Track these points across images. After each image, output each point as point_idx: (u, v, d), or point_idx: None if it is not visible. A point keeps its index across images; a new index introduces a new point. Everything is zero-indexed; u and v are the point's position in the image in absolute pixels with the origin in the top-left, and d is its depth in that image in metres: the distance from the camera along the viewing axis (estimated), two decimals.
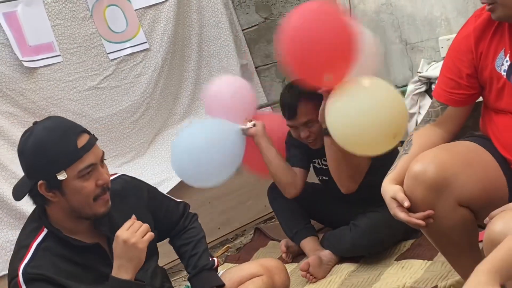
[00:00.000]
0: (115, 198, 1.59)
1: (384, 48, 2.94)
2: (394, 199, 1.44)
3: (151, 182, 2.72)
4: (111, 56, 2.87)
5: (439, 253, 1.83)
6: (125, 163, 2.90)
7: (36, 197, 1.51)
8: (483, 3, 1.47)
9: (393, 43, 2.90)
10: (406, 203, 1.41)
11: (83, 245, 1.54)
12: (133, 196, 1.71)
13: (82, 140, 1.48)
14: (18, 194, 1.53)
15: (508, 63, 1.47)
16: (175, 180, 2.81)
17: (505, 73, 1.48)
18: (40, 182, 1.46)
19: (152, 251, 1.66)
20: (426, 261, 2.08)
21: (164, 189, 2.76)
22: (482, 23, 1.52)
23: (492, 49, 1.50)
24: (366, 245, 2.24)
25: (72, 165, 1.45)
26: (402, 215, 1.42)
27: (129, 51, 2.92)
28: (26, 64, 2.61)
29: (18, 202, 1.70)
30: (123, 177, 1.76)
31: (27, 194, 1.51)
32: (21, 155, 1.49)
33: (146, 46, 2.95)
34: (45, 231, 1.52)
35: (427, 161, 1.42)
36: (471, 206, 1.44)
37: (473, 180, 1.42)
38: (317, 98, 2.07)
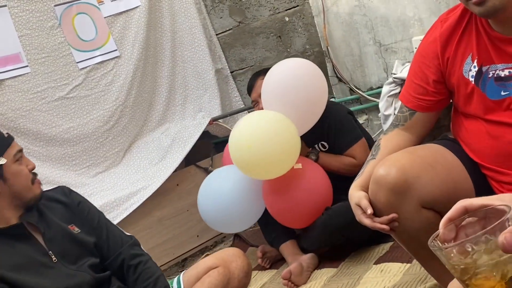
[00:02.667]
0: (51, 202, 1.69)
1: (359, 50, 2.93)
2: (359, 205, 1.43)
3: (126, 191, 2.73)
4: (81, 65, 2.83)
5: None
6: (99, 173, 2.85)
7: None
8: None
9: (367, 44, 2.89)
10: (369, 210, 1.40)
11: (6, 228, 1.56)
12: (69, 203, 1.73)
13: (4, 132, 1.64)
14: None
15: (476, 68, 1.45)
16: (151, 189, 2.77)
17: (473, 79, 1.46)
18: None
19: (90, 249, 1.67)
20: (404, 264, 2.07)
21: (140, 198, 2.73)
22: (448, 28, 1.49)
23: (459, 54, 1.47)
24: (339, 224, 2.19)
25: (6, 151, 1.57)
26: (366, 221, 1.42)
27: (99, 59, 2.87)
28: None
29: None
30: (62, 187, 1.80)
31: None
32: None
33: (116, 53, 2.91)
34: None
35: (389, 164, 1.41)
36: (435, 208, 1.43)
37: (435, 182, 1.41)
38: None
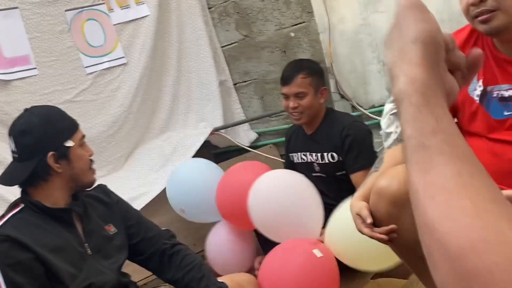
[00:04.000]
0: (93, 200, 1.73)
1: (362, 68, 2.98)
2: (359, 215, 1.46)
3: (126, 196, 2.72)
4: (88, 70, 2.86)
5: None
6: (101, 177, 2.85)
7: (40, 173, 1.57)
8: (478, 14, 1.43)
9: (371, 63, 2.94)
10: (369, 220, 1.43)
11: (58, 208, 1.60)
12: (109, 202, 1.77)
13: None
14: (13, 178, 1.60)
15: (481, 88, 1.49)
16: (151, 195, 2.79)
17: (478, 98, 1.50)
18: (51, 153, 1.56)
19: (123, 247, 1.71)
20: (401, 279, 2.09)
21: (140, 203, 2.74)
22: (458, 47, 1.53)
23: None
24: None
25: (74, 134, 1.63)
26: (366, 230, 1.45)
27: (106, 65, 2.91)
28: (1, 76, 2.57)
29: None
30: (101, 186, 1.84)
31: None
32: (26, 133, 1.57)
33: (124, 60, 2.95)
34: (21, 206, 1.59)
35: (390, 177, 1.44)
36: None
37: None
38: (316, 75, 2.40)
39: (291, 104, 2.39)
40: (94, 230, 1.67)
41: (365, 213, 1.44)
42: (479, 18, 1.38)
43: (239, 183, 2.35)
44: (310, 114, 2.41)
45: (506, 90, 1.45)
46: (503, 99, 1.47)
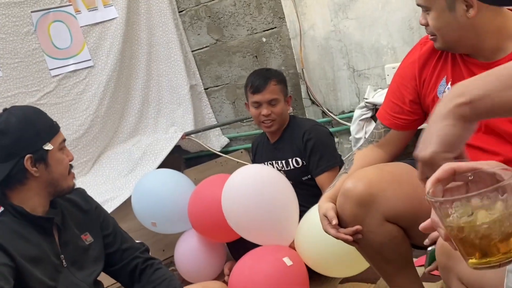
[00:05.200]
0: (71, 205, 1.68)
1: (333, 74, 3.00)
2: (326, 216, 1.46)
3: None
4: (53, 73, 2.82)
5: None
6: None
7: (16, 176, 1.52)
8: (427, 33, 1.53)
9: (341, 69, 2.96)
10: (334, 221, 1.44)
11: (39, 217, 1.56)
12: (87, 209, 1.73)
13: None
14: None
15: (450, 90, 1.51)
16: (119, 201, 2.75)
17: None
18: (28, 156, 1.51)
19: (99, 259, 1.68)
20: (369, 284, 2.10)
21: (108, 209, 2.68)
22: (427, 51, 1.57)
23: (434, 76, 1.55)
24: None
25: (54, 137, 1.57)
26: (332, 231, 1.46)
27: (72, 68, 2.87)
28: None
29: None
30: (80, 190, 1.79)
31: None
32: (3, 134, 1.51)
33: (90, 63, 2.91)
34: (1, 209, 1.55)
35: (357, 178, 1.46)
36: (399, 223, 1.47)
37: (400, 197, 1.46)
38: (283, 83, 2.45)
39: (265, 111, 2.39)
40: (71, 240, 1.62)
41: (331, 214, 1.45)
42: (429, 38, 1.48)
43: (212, 197, 2.31)
44: (280, 121, 2.43)
45: None
46: None
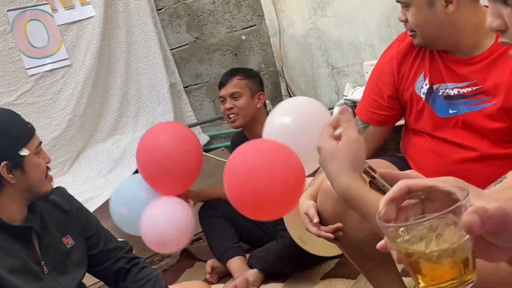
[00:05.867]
0: (51, 206, 1.65)
1: (312, 71, 3.01)
2: (307, 214, 1.47)
3: None
4: (30, 72, 2.79)
5: None
6: None
7: None
8: (406, 29, 1.55)
9: (321, 66, 2.97)
10: (316, 219, 1.45)
11: (16, 226, 1.53)
12: (68, 210, 1.70)
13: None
14: None
15: (427, 86, 1.54)
16: (100, 201, 2.72)
17: (424, 96, 1.55)
18: (3, 163, 1.48)
19: (81, 262, 1.65)
20: (350, 280, 2.12)
21: (88, 209, 2.67)
22: (405, 47, 1.59)
23: (412, 72, 1.57)
24: (293, 255, 2.22)
25: (30, 141, 1.53)
26: (313, 229, 1.47)
27: (49, 67, 2.84)
28: None
29: None
30: (61, 189, 1.76)
31: None
32: None
33: (67, 62, 2.89)
34: None
35: None
36: None
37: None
38: (251, 79, 2.51)
39: (227, 105, 2.47)
40: (51, 245, 1.60)
41: (312, 212, 1.46)
42: (408, 35, 1.50)
43: (158, 146, 2.34)
44: (245, 116, 2.45)
45: (452, 88, 1.51)
46: (448, 97, 1.52)
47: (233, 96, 2.49)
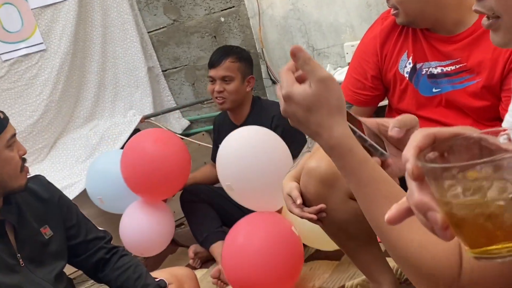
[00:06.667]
0: (30, 196, 1.59)
1: None
2: (290, 195, 1.46)
3: None
4: (4, 57, 2.74)
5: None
6: None
7: None
8: (389, 7, 1.53)
9: None
10: (299, 201, 1.44)
11: None
12: (48, 199, 1.64)
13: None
14: None
15: (411, 65, 1.53)
16: (79, 188, 2.68)
17: (407, 75, 1.55)
18: None
19: (60, 254, 1.61)
20: (334, 261, 2.12)
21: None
22: (388, 26, 1.58)
23: (396, 51, 1.56)
24: None
25: (1, 134, 1.44)
26: (296, 210, 1.46)
27: (24, 52, 2.79)
28: None
29: None
30: (40, 177, 1.70)
31: None
32: None
33: (42, 47, 2.83)
34: None
35: (320, 157, 1.46)
36: None
37: None
38: (244, 62, 2.42)
39: (217, 87, 2.40)
40: (29, 237, 1.54)
41: (295, 193, 1.45)
42: (391, 12, 1.48)
43: (143, 152, 2.29)
44: (234, 100, 2.40)
45: (435, 67, 1.51)
46: (432, 76, 1.52)
47: (224, 79, 2.40)
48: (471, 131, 0.52)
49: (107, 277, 1.70)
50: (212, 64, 2.43)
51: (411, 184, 0.51)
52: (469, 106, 1.50)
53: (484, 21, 0.72)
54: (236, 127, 2.47)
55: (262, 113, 2.41)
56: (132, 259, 1.74)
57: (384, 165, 0.78)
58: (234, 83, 2.39)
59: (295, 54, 0.75)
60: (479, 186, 0.46)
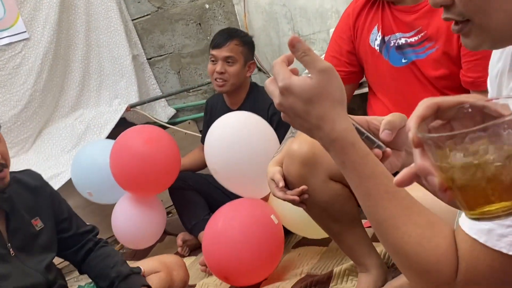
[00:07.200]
0: (22, 188, 1.60)
1: (278, 40, 2.97)
2: (273, 180, 1.48)
3: None
4: None
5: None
6: None
7: None
8: None
9: (286, 34, 2.94)
10: (281, 184, 1.46)
11: None
12: (39, 192, 1.66)
13: None
14: None
15: (380, 37, 1.61)
16: (64, 177, 2.66)
17: (378, 48, 1.62)
18: None
19: (50, 246, 1.63)
20: (321, 247, 2.14)
21: (52, 186, 2.60)
22: (361, 3, 1.68)
23: (367, 25, 1.67)
24: None
25: None
26: (279, 193, 1.47)
27: (6, 41, 2.75)
28: None
29: None
30: (32, 171, 1.72)
31: None
32: None
33: (25, 35, 2.79)
34: None
35: (302, 140, 1.48)
36: (343, 181, 1.50)
37: None
38: (247, 46, 2.38)
39: (218, 68, 2.35)
40: (20, 227, 1.55)
41: (277, 177, 1.47)
42: None
43: (132, 149, 2.27)
44: (234, 83, 2.37)
45: (400, 38, 1.61)
46: (399, 47, 1.61)
47: (227, 60, 2.35)
48: (474, 99, 0.54)
49: (86, 266, 1.74)
50: (217, 45, 2.37)
51: (414, 151, 0.55)
52: (432, 76, 1.57)
53: (454, 27, 0.71)
54: (230, 111, 2.45)
55: (259, 99, 2.40)
56: (112, 250, 1.78)
57: (382, 158, 0.79)
58: (236, 65, 2.36)
59: (294, 45, 0.72)
60: (477, 150, 0.48)
